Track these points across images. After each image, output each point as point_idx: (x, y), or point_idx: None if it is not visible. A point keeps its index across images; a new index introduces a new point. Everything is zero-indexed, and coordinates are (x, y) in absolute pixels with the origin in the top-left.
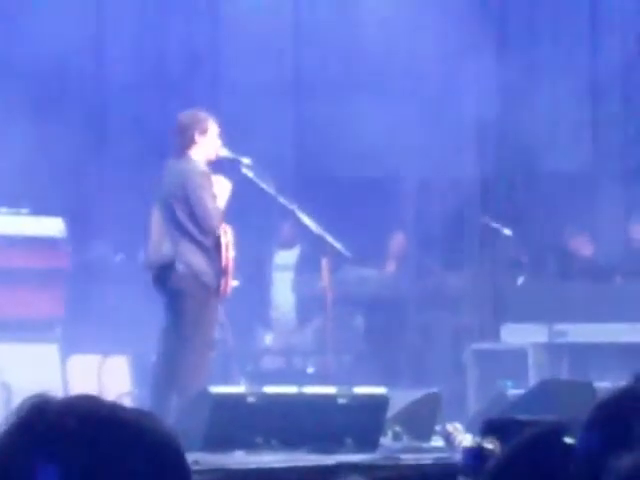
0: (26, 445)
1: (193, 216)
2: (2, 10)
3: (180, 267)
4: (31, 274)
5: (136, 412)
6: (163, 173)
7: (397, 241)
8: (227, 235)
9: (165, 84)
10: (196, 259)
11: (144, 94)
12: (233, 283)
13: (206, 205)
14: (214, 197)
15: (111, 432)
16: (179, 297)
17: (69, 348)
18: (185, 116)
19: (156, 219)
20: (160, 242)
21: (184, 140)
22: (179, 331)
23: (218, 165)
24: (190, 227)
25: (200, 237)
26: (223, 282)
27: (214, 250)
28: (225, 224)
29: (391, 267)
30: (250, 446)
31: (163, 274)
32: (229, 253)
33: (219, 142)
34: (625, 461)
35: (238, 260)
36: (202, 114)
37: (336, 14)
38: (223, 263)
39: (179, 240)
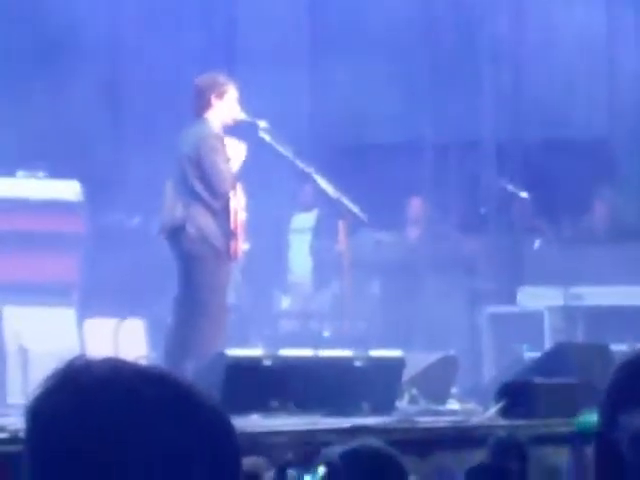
0: (73, 404)
1: (204, 179)
2: None
3: (191, 230)
4: (47, 238)
5: (187, 381)
6: (180, 136)
7: (415, 206)
8: (237, 198)
9: (180, 48)
10: (206, 222)
11: (159, 58)
12: (243, 246)
13: (219, 168)
14: (227, 160)
15: (164, 393)
16: (190, 260)
17: (85, 312)
18: (203, 79)
19: (170, 182)
20: (173, 205)
21: (201, 102)
22: (191, 294)
23: (236, 128)
24: (201, 190)
25: (210, 200)
26: (233, 245)
27: (224, 213)
28: (237, 186)
29: (411, 232)
30: (266, 409)
31: (175, 237)
32: (239, 216)
33: (237, 107)
34: (637, 421)
35: (255, 223)
36: (221, 78)
37: None
38: (232, 226)
39: (190, 203)
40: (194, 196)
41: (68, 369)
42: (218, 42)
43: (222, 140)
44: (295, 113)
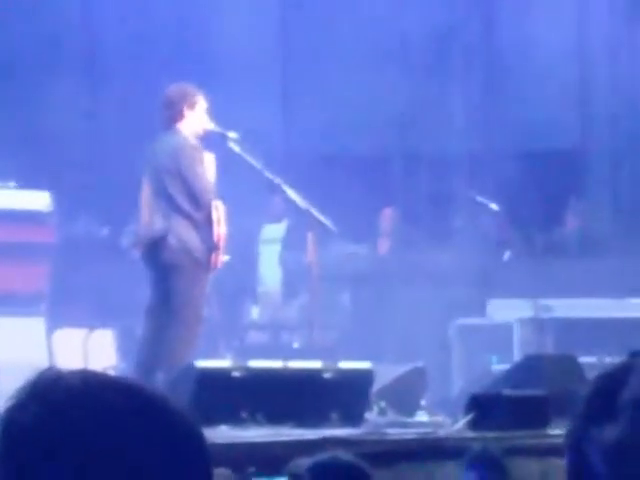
0: (46, 416)
1: (185, 190)
2: None
3: (173, 242)
4: (17, 248)
5: (159, 394)
6: (152, 147)
7: (385, 217)
8: (218, 210)
9: (153, 58)
10: (188, 234)
11: (132, 68)
12: (223, 258)
13: (201, 179)
14: (206, 171)
15: (135, 405)
16: (171, 272)
17: (55, 322)
18: (174, 90)
19: (146, 193)
20: (151, 216)
21: (172, 114)
22: (170, 306)
23: (205, 139)
24: (182, 201)
25: (192, 211)
26: (214, 257)
27: (205, 225)
28: (216, 199)
29: (381, 244)
30: (235, 421)
31: (154, 249)
32: (221, 228)
33: (207, 117)
34: (609, 433)
35: (228, 234)
36: (191, 88)
37: None
38: (215, 238)
39: (170, 214)
40: (174, 208)
41: (39, 380)
42: (190, 52)
43: (200, 151)
44: (267, 123)
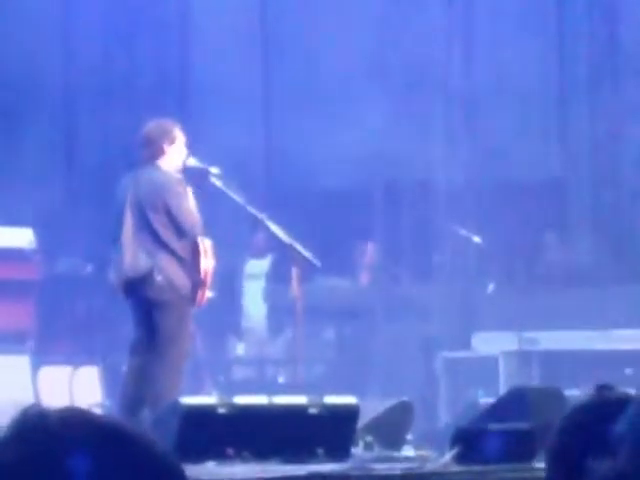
0: (28, 456)
1: (171, 225)
2: None
3: (158, 279)
4: (1, 286)
5: (138, 431)
6: (134, 181)
7: (367, 251)
8: (205, 245)
9: (133, 95)
10: (174, 270)
11: (112, 105)
12: (208, 294)
13: (189, 214)
14: (193, 205)
15: (111, 450)
16: (156, 309)
17: (39, 359)
18: (152, 127)
19: (128, 229)
20: (134, 254)
21: (152, 151)
22: (155, 343)
23: (187, 174)
24: (167, 237)
25: (177, 247)
26: (200, 293)
27: (191, 260)
28: (202, 233)
29: (363, 277)
30: (221, 457)
31: (139, 286)
32: (208, 263)
33: (186, 151)
34: (606, 465)
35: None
36: (169, 123)
37: (304, 24)
38: (202, 274)
39: (156, 251)
40: (159, 243)
41: (22, 419)
42: (171, 82)
43: (184, 185)
44: (248, 156)
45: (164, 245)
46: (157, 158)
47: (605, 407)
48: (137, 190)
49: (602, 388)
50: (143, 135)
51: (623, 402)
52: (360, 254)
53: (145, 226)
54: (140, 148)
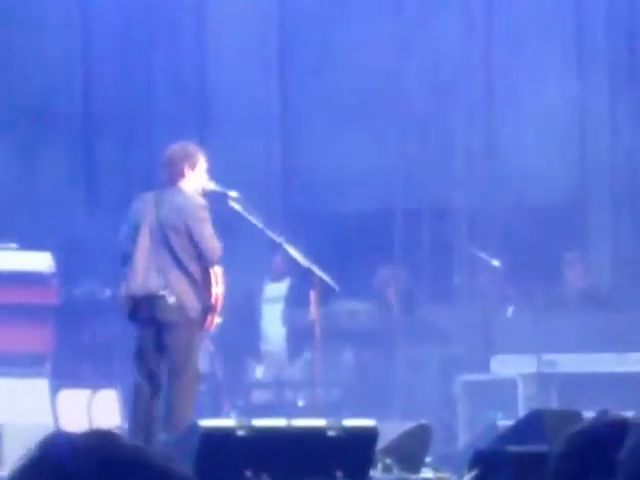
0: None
1: (189, 248)
2: None
3: (171, 299)
4: (20, 309)
5: (159, 454)
6: (154, 201)
7: (386, 274)
8: (215, 272)
9: (152, 117)
10: (186, 292)
11: (131, 127)
12: (218, 320)
13: (211, 239)
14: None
15: (134, 474)
16: (168, 329)
17: (58, 383)
18: (176, 149)
19: (143, 248)
20: (148, 271)
21: (173, 172)
22: (167, 363)
23: (208, 197)
24: (184, 258)
25: (192, 269)
26: (209, 318)
27: (203, 284)
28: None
29: (383, 301)
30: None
31: (151, 304)
32: (219, 289)
33: (206, 176)
34: None
35: (227, 292)
36: (192, 148)
37: (323, 41)
38: (212, 299)
39: (170, 271)
40: (176, 264)
41: (45, 444)
42: (189, 106)
43: (207, 210)
44: (265, 177)
45: (180, 267)
46: (177, 180)
47: (605, 431)
48: (159, 211)
49: (602, 413)
50: (166, 156)
51: (623, 426)
52: (380, 277)
53: (164, 247)
54: (161, 168)
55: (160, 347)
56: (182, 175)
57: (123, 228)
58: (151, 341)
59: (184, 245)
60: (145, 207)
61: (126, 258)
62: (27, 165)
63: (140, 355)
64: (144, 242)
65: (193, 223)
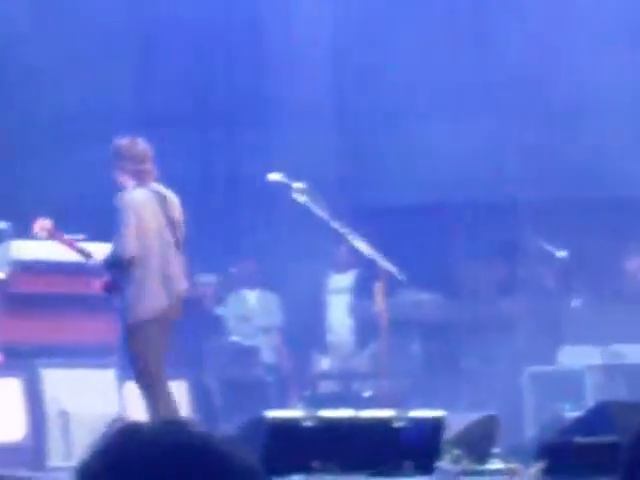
0: (116, 473)
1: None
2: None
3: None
4: (87, 300)
5: (227, 442)
6: (157, 198)
7: (450, 266)
8: None
9: (206, 108)
10: None
11: (186, 126)
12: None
13: None
14: None
15: (201, 462)
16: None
17: (126, 374)
18: (144, 143)
19: (170, 245)
20: (179, 273)
21: (152, 167)
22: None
23: (273, 189)
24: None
25: None
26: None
27: None
28: None
29: (452, 291)
30: (308, 471)
31: (179, 306)
32: None
33: None
34: None
35: (293, 284)
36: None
37: (374, 39)
38: None
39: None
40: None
41: (113, 433)
42: (246, 103)
43: None
44: (330, 172)
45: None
46: (154, 175)
47: None
48: (167, 208)
49: None
50: (143, 150)
51: None
52: (443, 268)
53: (177, 245)
54: (142, 164)
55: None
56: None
57: (126, 227)
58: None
59: (181, 239)
60: (152, 205)
61: (133, 259)
62: (91, 156)
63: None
64: (168, 241)
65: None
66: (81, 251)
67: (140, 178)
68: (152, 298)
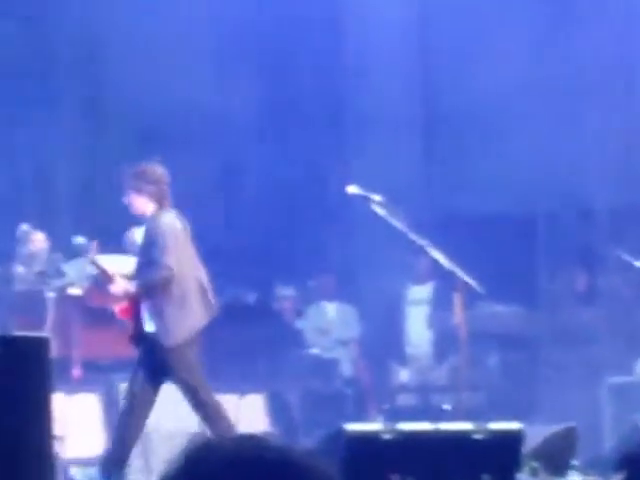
0: None
1: None
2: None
3: None
4: None
5: (306, 453)
6: (182, 220)
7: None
8: None
9: (291, 119)
10: None
11: (270, 136)
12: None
13: None
14: None
15: (281, 476)
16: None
17: None
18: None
19: (200, 266)
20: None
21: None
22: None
23: (352, 202)
24: None
25: None
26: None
27: None
28: None
29: (526, 303)
30: None
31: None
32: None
33: None
34: None
35: (372, 296)
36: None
37: (462, 44)
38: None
39: None
40: None
41: (193, 448)
42: (329, 111)
43: None
44: (410, 184)
45: None
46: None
47: None
48: (189, 230)
49: None
50: (163, 174)
51: None
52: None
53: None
54: (164, 187)
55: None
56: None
57: (168, 250)
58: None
59: None
60: (179, 224)
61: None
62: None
63: None
64: (195, 264)
65: None
66: (107, 274)
67: (161, 201)
68: (193, 318)
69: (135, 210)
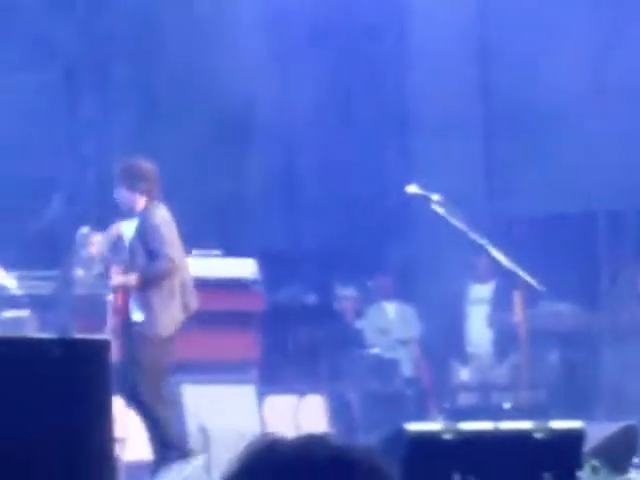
0: None
1: None
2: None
3: None
4: (226, 316)
5: (367, 453)
6: (170, 214)
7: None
8: None
9: (351, 122)
10: None
11: (330, 138)
12: None
13: None
14: None
15: (342, 476)
16: None
17: (265, 389)
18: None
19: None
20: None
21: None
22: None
23: (410, 201)
24: None
25: None
26: None
27: None
28: None
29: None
30: None
31: None
32: None
33: None
34: None
35: (433, 295)
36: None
37: (523, 44)
38: None
39: None
40: None
41: (255, 449)
42: (389, 114)
43: None
44: (469, 184)
45: None
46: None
47: None
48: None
49: None
50: (152, 169)
51: None
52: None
53: None
54: (154, 182)
55: None
56: None
57: (166, 242)
58: None
59: None
60: (172, 221)
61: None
62: (230, 173)
63: None
64: (184, 258)
65: None
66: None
67: (151, 196)
68: (178, 313)
69: (125, 205)
